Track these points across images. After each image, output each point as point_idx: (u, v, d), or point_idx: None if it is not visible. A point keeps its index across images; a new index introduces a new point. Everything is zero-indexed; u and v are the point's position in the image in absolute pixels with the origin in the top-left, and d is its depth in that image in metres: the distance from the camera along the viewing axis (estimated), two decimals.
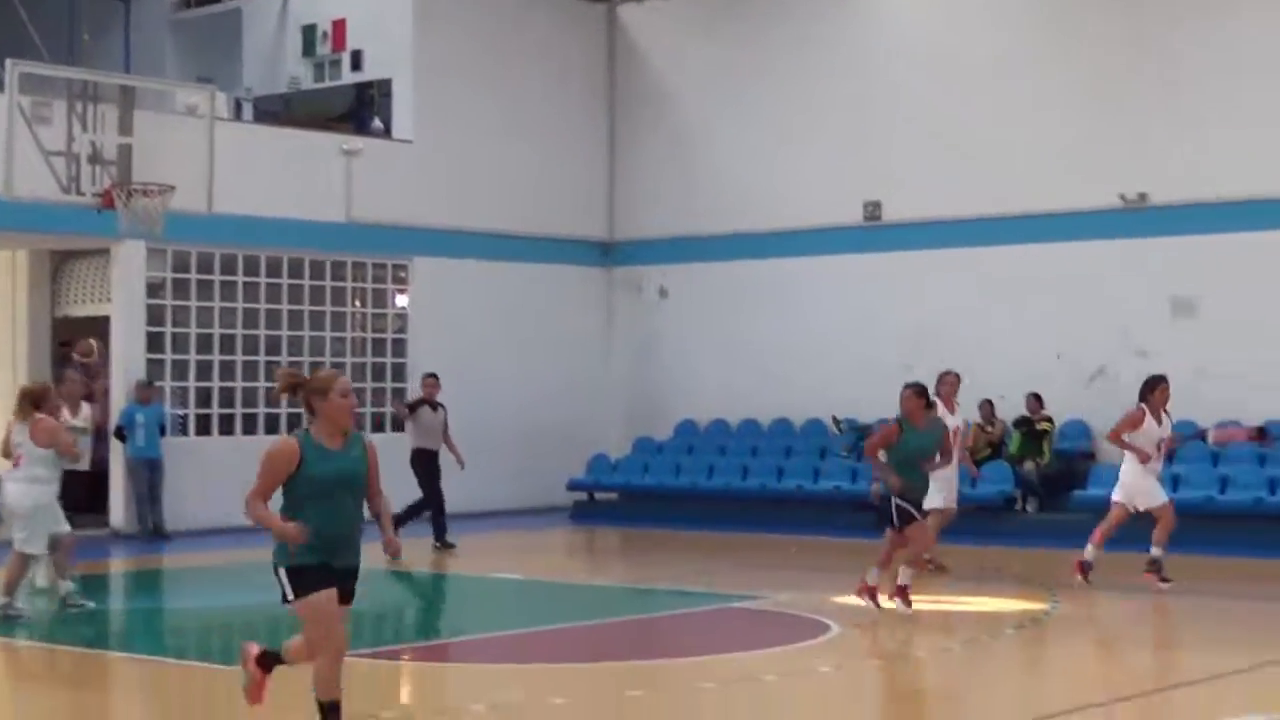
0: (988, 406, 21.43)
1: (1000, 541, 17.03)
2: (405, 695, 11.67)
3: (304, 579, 8.01)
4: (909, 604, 13.85)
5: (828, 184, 24.60)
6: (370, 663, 11.51)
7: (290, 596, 8.05)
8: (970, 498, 18.90)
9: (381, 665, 11.96)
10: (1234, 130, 21.25)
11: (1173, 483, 20.36)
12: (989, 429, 21.58)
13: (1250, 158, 21.06)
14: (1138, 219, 22.09)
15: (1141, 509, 15.55)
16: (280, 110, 26.83)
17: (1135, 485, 15.63)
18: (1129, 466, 15.72)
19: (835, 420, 22.96)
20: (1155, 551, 15.31)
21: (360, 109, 26.89)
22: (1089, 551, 15.49)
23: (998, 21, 23.89)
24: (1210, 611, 14.84)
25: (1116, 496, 15.73)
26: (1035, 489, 20.67)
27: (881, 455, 13.91)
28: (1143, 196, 21.99)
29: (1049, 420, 20.11)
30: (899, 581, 13.88)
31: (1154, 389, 15.84)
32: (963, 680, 11.74)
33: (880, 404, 22.19)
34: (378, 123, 25.97)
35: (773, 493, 23.50)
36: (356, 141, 24.45)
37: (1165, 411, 15.94)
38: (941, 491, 15.91)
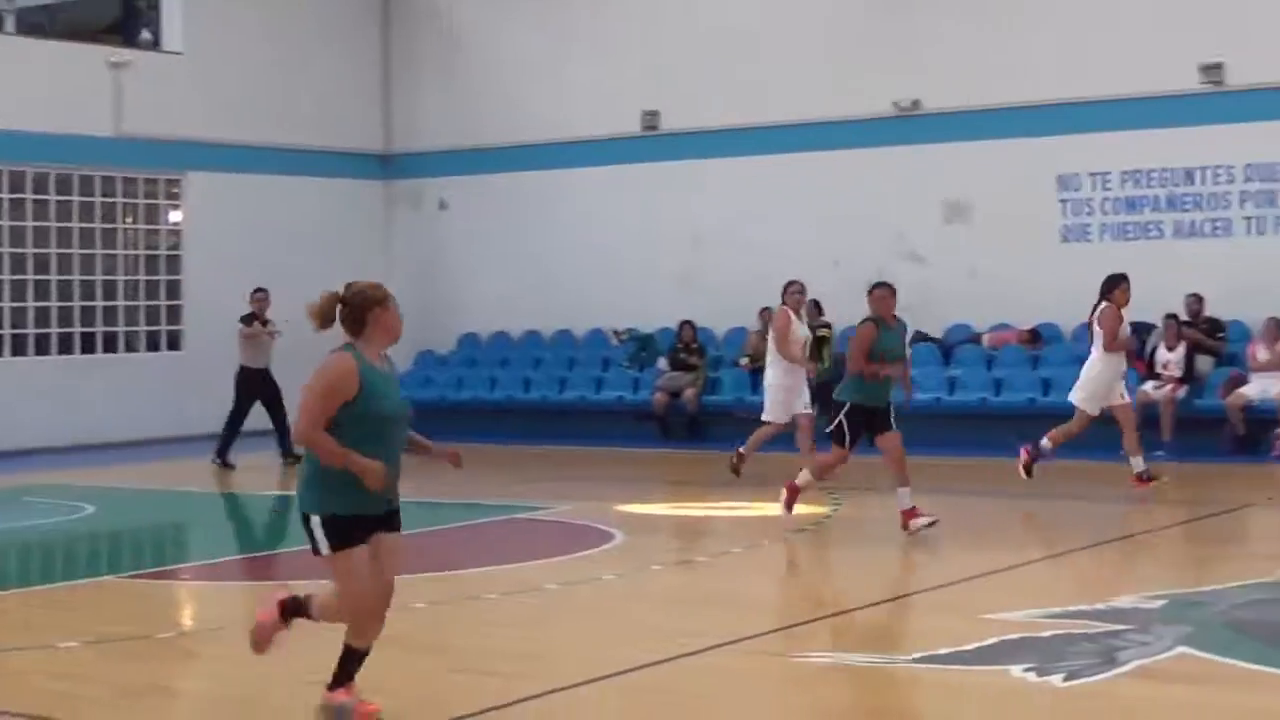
0: (768, 314, 21.57)
1: (783, 447, 17.07)
2: (184, 616, 11.49)
3: (344, 530, 6.98)
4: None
5: (606, 94, 24.48)
6: (148, 583, 11.28)
7: (324, 550, 7.03)
8: (752, 404, 19.06)
9: (159, 585, 11.74)
10: (1003, 37, 21.62)
11: (949, 386, 20.83)
12: (768, 336, 21.72)
13: (1020, 65, 21.43)
14: (910, 125, 22.37)
15: (1105, 407, 15.29)
16: (45, 23, 26.00)
17: (1104, 385, 15.29)
18: (1100, 369, 15.33)
19: (615, 333, 22.98)
20: (1136, 462, 15.20)
21: (128, 20, 26.19)
22: (1047, 445, 15.39)
23: None
24: (982, 512, 15.10)
25: (1079, 399, 15.42)
26: (816, 394, 20.89)
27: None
28: (915, 103, 22.26)
29: (827, 327, 20.23)
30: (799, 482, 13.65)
31: (1115, 287, 15.38)
32: (739, 583, 11.78)
33: (661, 313, 22.28)
34: (146, 34, 25.14)
35: (555, 404, 23.54)
36: (124, 54, 23.80)
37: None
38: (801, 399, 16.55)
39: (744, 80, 23.24)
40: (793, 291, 16.90)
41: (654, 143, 24.30)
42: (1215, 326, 20.36)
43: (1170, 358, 19.42)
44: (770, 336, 17.16)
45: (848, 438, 13.09)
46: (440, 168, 26.40)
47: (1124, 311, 15.29)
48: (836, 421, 13.24)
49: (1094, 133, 21.38)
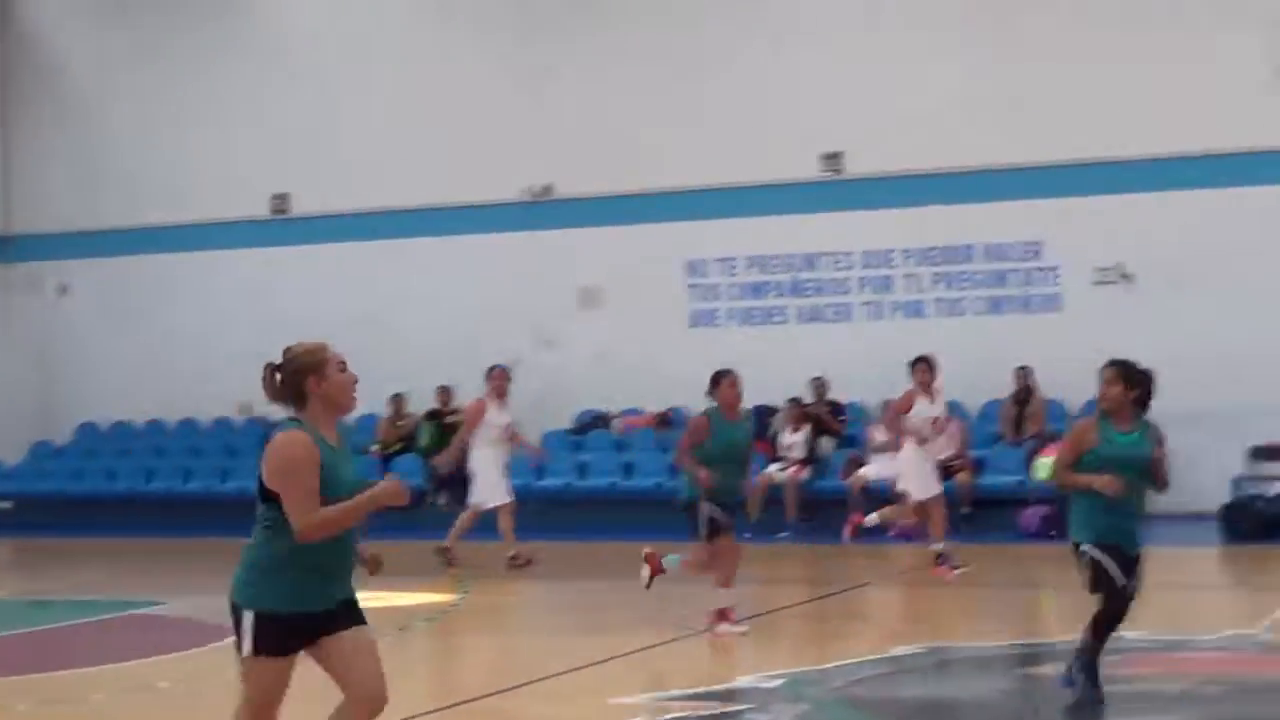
0: (400, 401, 21.46)
1: (412, 535, 16.86)
2: None
3: (278, 635, 5.90)
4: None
5: (231, 174, 24.14)
6: None
7: (246, 651, 5.90)
8: None
9: None
10: (633, 124, 22.17)
11: (580, 470, 20.92)
12: (399, 423, 21.60)
13: (650, 152, 21.94)
14: (542, 211, 22.58)
15: (918, 498, 15.37)
16: None
17: (916, 471, 15.38)
18: (908, 453, 15.43)
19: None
20: (939, 545, 15.13)
21: None
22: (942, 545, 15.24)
23: (408, 9, 24.02)
24: (610, 595, 15.11)
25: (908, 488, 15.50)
26: (446, 482, 20.74)
27: None
28: (546, 189, 22.45)
29: (456, 413, 20.13)
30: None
31: (913, 367, 15.55)
32: None
33: None
34: None
35: (179, 495, 22.88)
36: None
37: (933, 390, 15.56)
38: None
39: (373, 162, 23.21)
40: (496, 376, 16.68)
41: (284, 227, 23.98)
42: (836, 409, 20.99)
43: (793, 440, 19.91)
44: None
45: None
46: (61, 250, 25.46)
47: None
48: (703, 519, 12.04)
49: (720, 219, 21.95)
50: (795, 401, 20.30)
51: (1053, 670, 9.55)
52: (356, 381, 6.18)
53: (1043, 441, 18.86)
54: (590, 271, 22.43)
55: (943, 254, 21.64)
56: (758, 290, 22.14)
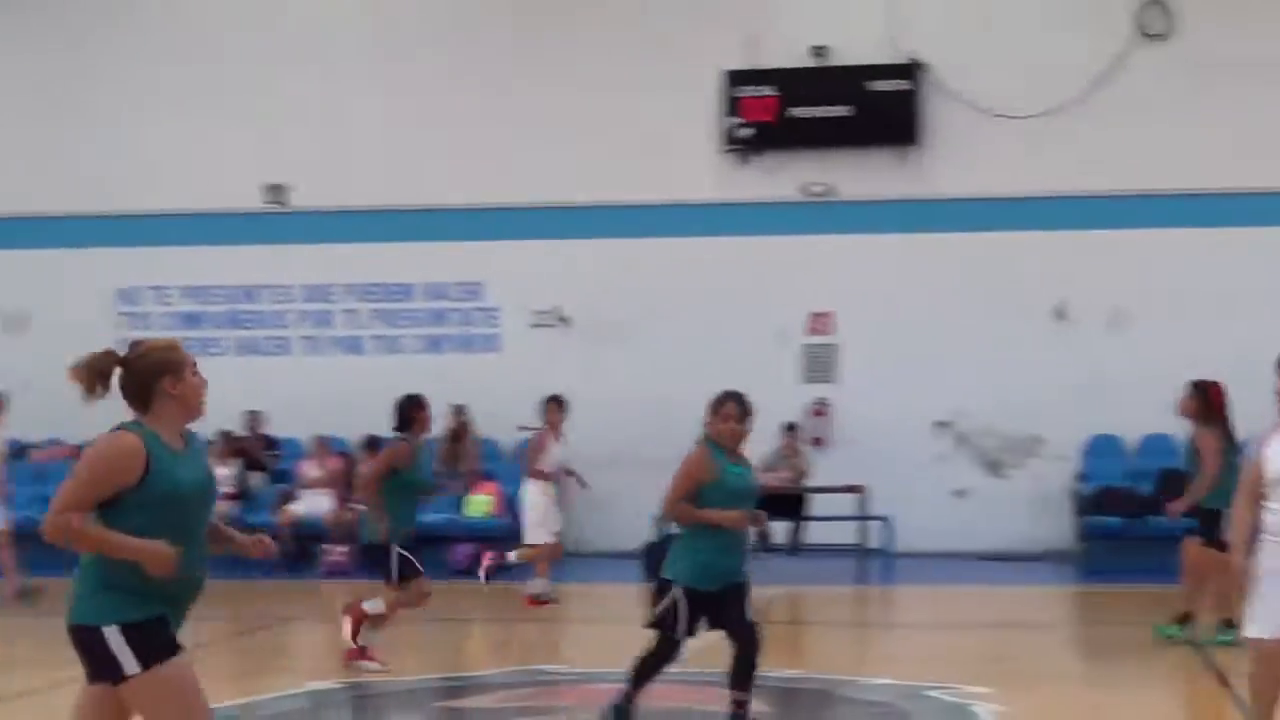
0: None
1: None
2: None
3: (151, 639, 5.31)
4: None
5: None
6: None
7: (132, 669, 5.26)
8: None
9: None
10: (82, 146, 21.49)
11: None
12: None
13: (93, 176, 21.33)
14: None
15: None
16: None
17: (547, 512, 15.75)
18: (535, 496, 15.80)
19: None
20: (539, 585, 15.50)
21: None
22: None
23: None
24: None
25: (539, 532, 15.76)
26: None
27: None
28: None
29: None
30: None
31: (545, 406, 15.93)
32: None
33: None
34: None
35: None
36: None
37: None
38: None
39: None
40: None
41: None
42: (269, 443, 20.69)
43: (224, 473, 19.46)
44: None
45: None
46: None
47: None
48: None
49: (155, 246, 21.37)
50: (226, 434, 19.89)
51: (472, 703, 9.55)
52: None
53: (475, 479, 19.16)
54: (16, 296, 21.46)
55: (383, 291, 21.69)
56: (192, 320, 21.63)
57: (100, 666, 5.35)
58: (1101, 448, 20.74)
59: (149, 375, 5.53)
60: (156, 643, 5.34)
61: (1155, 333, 19.93)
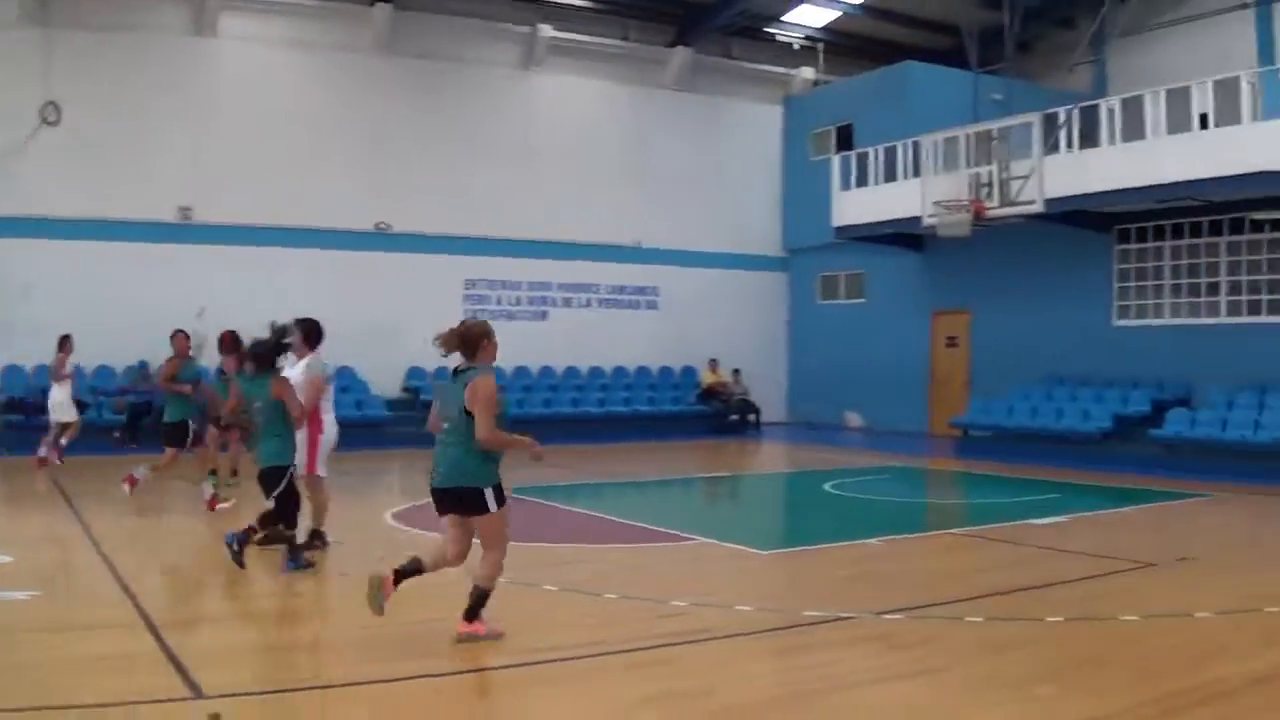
0: None
1: None
2: None
3: (500, 493, 10.44)
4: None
5: None
6: None
7: (493, 509, 10.35)
8: None
9: None
10: None
11: None
12: None
13: None
14: None
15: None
16: None
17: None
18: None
19: None
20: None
21: None
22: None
23: None
24: None
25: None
26: None
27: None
28: None
29: None
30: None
31: None
32: None
33: None
34: None
35: None
36: None
37: None
38: None
39: None
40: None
41: None
42: None
43: None
44: None
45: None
46: None
47: None
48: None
49: None
50: None
51: None
52: None
53: None
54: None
55: None
56: None
57: (475, 507, 10.34)
58: None
59: (483, 340, 10.49)
60: (501, 495, 10.42)
61: None
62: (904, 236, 34.72)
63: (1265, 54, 31.62)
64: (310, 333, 15.16)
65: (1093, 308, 31.27)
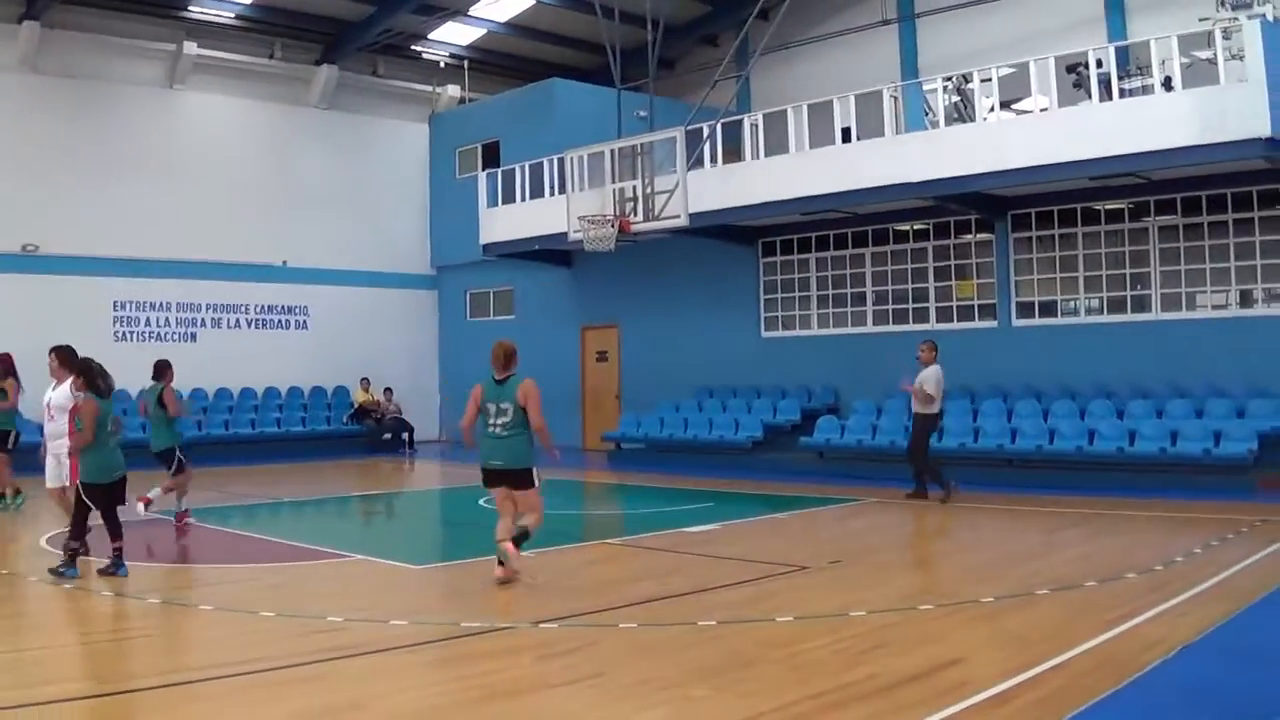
0: None
1: None
2: None
3: (538, 473, 14.13)
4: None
5: None
6: None
7: (535, 485, 14.04)
8: None
9: None
10: None
11: None
12: None
13: None
14: None
15: None
16: None
17: None
18: None
19: None
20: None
21: None
22: None
23: None
24: None
25: None
26: None
27: None
28: None
29: None
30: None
31: None
32: None
33: None
34: None
35: None
36: None
37: None
38: None
39: None
40: None
41: None
42: None
43: None
44: None
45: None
46: None
47: None
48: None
49: None
50: None
51: None
52: None
53: None
54: None
55: None
56: None
57: (525, 483, 13.92)
58: None
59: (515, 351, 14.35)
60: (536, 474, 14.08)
61: None
62: (552, 253, 34.65)
63: (909, 68, 32.43)
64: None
65: (741, 320, 31.60)
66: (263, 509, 22.97)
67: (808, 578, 14.07)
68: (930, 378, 21.65)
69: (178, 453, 19.10)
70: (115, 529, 14.21)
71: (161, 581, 11.01)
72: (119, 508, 14.44)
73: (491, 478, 14.04)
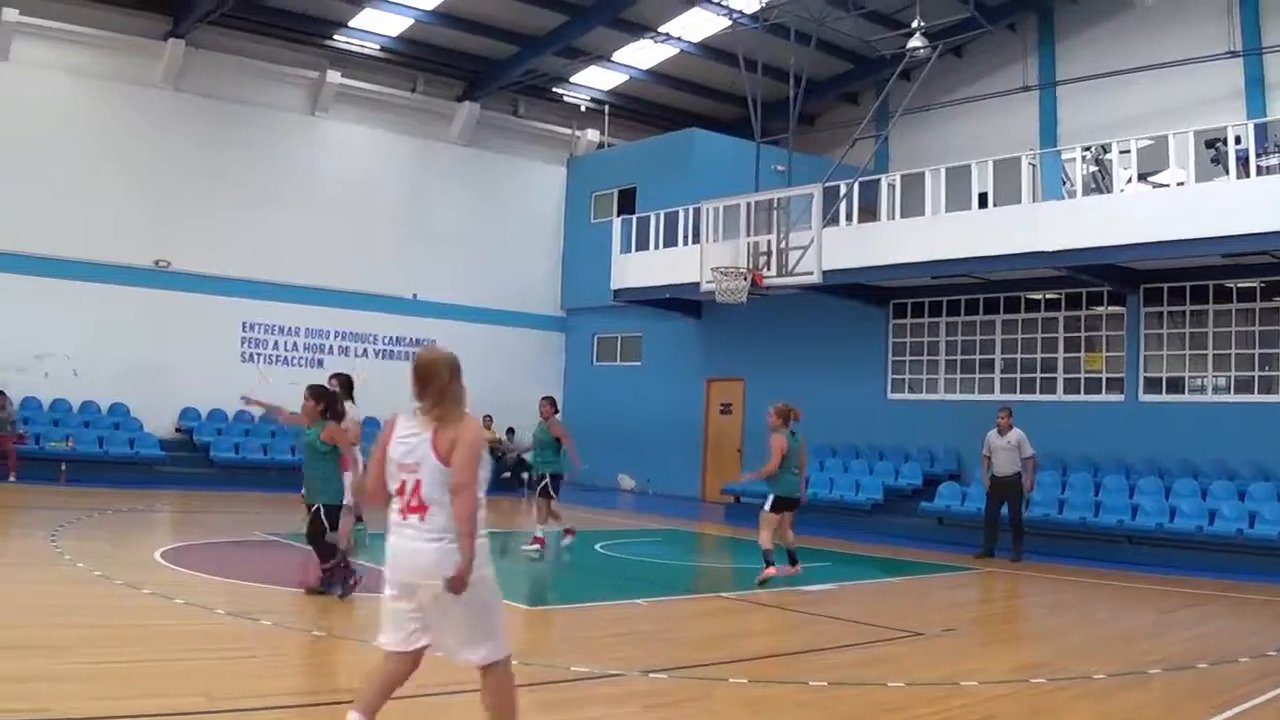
0: None
1: None
2: None
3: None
4: None
5: None
6: None
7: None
8: None
9: None
10: None
11: None
12: None
13: None
14: None
15: None
16: None
17: None
18: None
19: None
20: None
21: None
22: None
23: None
24: None
25: None
26: None
27: None
28: None
29: None
30: None
31: None
32: None
33: None
34: None
35: None
36: None
37: None
38: None
39: None
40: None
41: None
42: None
43: None
44: None
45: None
46: None
47: None
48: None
49: None
50: None
51: None
52: None
53: None
54: None
55: None
56: None
57: None
58: None
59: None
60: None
61: None
62: (682, 301, 34.75)
63: (1047, 135, 32.30)
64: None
65: (867, 380, 31.54)
66: (377, 539, 23.04)
67: (920, 644, 14.01)
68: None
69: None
70: (327, 552, 14.81)
71: (277, 604, 11.11)
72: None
73: None
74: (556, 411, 21.84)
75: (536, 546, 21.04)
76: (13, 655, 10.16)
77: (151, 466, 30.32)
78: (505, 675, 7.83)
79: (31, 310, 30.39)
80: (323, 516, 14.82)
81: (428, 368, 7.84)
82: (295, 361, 34.92)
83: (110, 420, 31.20)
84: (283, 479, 28.22)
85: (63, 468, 28.76)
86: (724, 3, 31.88)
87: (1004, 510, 23.76)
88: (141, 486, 26.53)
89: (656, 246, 34.48)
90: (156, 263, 32.88)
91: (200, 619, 12.53)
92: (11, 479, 27.40)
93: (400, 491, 7.62)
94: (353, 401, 18.34)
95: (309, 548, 15.14)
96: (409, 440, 7.65)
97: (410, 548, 7.58)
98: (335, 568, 14.75)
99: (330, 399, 15.17)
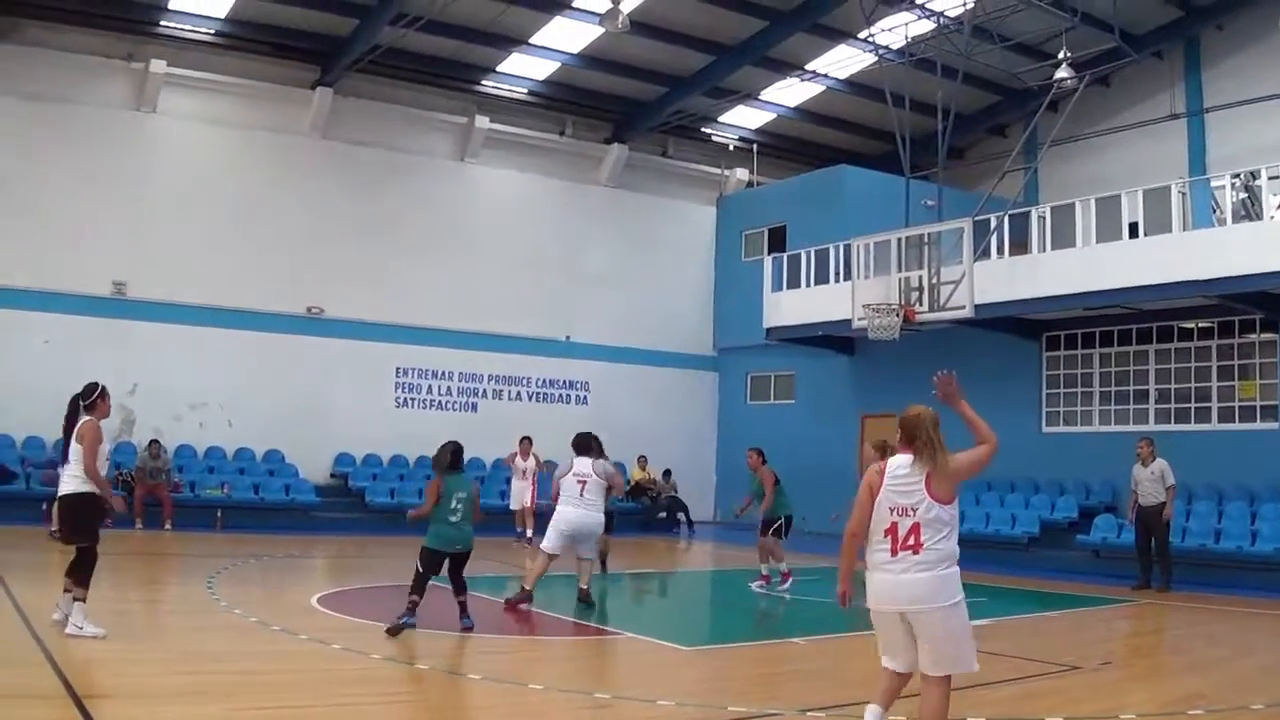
0: None
1: None
2: None
3: None
4: None
5: None
6: None
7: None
8: None
9: None
10: None
11: None
12: None
13: None
14: None
15: None
16: None
17: None
18: None
19: None
20: None
21: None
22: None
23: None
24: None
25: None
26: None
27: None
28: None
29: None
30: None
31: None
32: None
33: None
34: None
35: None
36: None
37: None
38: None
39: None
40: None
41: None
42: None
43: None
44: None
45: None
46: None
47: None
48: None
49: None
50: None
51: None
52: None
53: None
54: None
55: None
56: None
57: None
58: None
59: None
60: None
61: None
62: (834, 339, 34.88)
63: (1196, 164, 32.08)
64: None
65: (1021, 413, 31.42)
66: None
67: (1077, 678, 13.99)
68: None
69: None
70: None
71: (433, 648, 11.38)
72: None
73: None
74: (765, 462, 22.24)
75: (786, 583, 21.92)
76: (184, 702, 10.39)
77: (307, 512, 30.88)
78: (948, 688, 8.90)
79: (185, 359, 31.29)
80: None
81: (913, 421, 9.24)
82: (450, 406, 35.52)
83: (265, 467, 31.84)
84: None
85: (218, 515, 29.46)
86: (870, 39, 32.02)
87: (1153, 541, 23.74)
88: (297, 532, 27.01)
89: (808, 284, 34.65)
90: (309, 310, 33.65)
91: (358, 663, 12.74)
92: (168, 527, 28.06)
93: (889, 532, 8.81)
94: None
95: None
96: (902, 485, 8.90)
97: (910, 579, 8.78)
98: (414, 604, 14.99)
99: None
